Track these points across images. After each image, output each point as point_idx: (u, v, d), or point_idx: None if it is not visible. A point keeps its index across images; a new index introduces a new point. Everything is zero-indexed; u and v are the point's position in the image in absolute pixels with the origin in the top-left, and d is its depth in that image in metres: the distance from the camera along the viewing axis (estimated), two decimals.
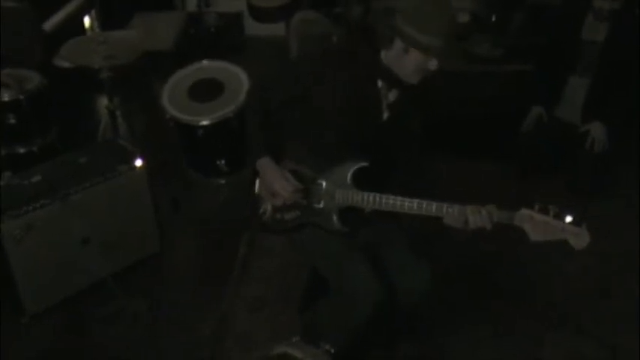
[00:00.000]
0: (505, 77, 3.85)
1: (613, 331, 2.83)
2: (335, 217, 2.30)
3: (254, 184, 2.41)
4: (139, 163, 3.01)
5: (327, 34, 4.05)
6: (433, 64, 2.16)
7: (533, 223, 2.08)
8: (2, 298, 2.92)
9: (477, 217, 2.12)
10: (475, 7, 4.12)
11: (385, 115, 2.32)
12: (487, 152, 3.73)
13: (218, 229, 3.34)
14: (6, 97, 3.28)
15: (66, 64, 3.86)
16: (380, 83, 2.27)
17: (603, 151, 3.41)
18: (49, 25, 3.87)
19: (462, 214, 2.14)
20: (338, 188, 2.29)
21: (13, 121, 3.31)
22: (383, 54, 2.23)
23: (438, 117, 3.72)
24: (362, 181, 2.27)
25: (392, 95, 2.30)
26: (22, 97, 3.29)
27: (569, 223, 2.06)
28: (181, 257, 3.23)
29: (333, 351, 2.40)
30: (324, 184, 2.32)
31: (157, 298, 2.99)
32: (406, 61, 2.17)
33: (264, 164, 2.31)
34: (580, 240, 2.06)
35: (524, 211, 2.10)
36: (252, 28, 5.02)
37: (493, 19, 4.06)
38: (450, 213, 2.15)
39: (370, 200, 2.25)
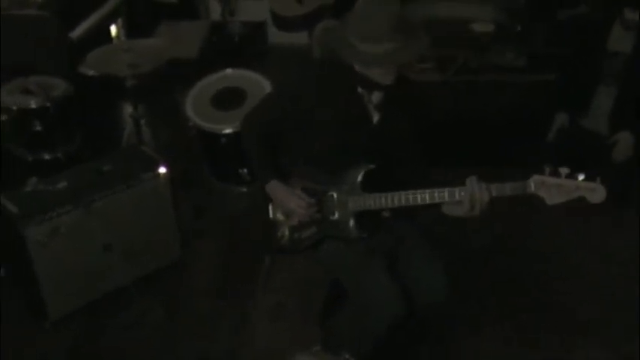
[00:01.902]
0: (529, 87, 3.82)
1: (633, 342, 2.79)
2: (352, 225, 2.31)
3: (267, 208, 2.42)
4: (162, 170, 3.03)
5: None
6: (394, 69, 2.16)
7: (547, 188, 2.06)
8: (25, 304, 2.96)
9: (484, 192, 2.10)
10: (499, 16, 4.10)
11: (375, 118, 2.32)
12: (511, 161, 3.69)
13: (239, 238, 3.35)
14: (33, 105, 3.33)
15: (92, 72, 3.90)
16: (359, 89, 2.28)
17: (629, 161, 3.38)
18: (75, 33, 3.92)
19: (470, 194, 2.11)
20: (349, 196, 2.31)
21: (39, 127, 3.35)
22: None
23: (462, 125, 3.75)
24: (371, 185, 2.28)
25: (375, 97, 2.30)
26: (48, 104, 3.33)
27: (583, 179, 2.03)
28: (202, 265, 3.24)
29: None
30: (335, 195, 2.33)
31: (177, 305, 3.00)
32: (369, 70, 2.19)
33: (274, 187, 2.35)
34: (597, 194, 2.03)
35: (536, 177, 2.07)
36: (276, 36, 5.04)
37: (518, 28, 4.03)
38: (462, 196, 2.13)
39: (381, 201, 2.25)
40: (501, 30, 4.05)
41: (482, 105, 3.80)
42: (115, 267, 2.94)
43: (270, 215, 2.44)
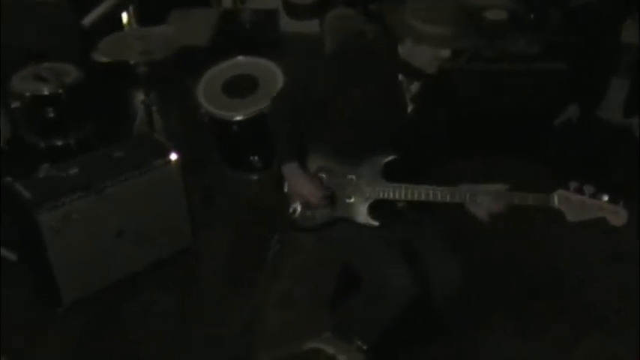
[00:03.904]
0: (541, 75, 3.79)
1: None
2: (366, 211, 2.31)
3: (282, 184, 2.42)
4: (173, 157, 3.03)
5: (362, 31, 4.03)
6: (446, 52, 2.17)
7: (570, 204, 2.07)
8: (36, 290, 2.98)
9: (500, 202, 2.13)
10: (512, 4, 4.06)
11: (410, 108, 2.33)
12: (521, 149, 3.69)
13: (250, 225, 3.35)
14: (45, 91, 3.34)
15: (104, 59, 3.91)
16: (401, 77, 2.29)
17: None
18: (87, 20, 3.92)
19: (490, 201, 2.15)
20: (368, 182, 2.30)
21: (51, 114, 3.37)
22: (400, 48, 2.25)
23: (472, 113, 3.73)
24: (392, 175, 2.28)
25: (414, 88, 2.31)
26: (61, 91, 3.34)
27: (606, 201, 2.05)
28: (213, 252, 3.25)
29: (365, 347, 2.39)
30: (354, 178, 2.33)
31: (188, 292, 3.01)
32: (419, 52, 2.19)
33: (290, 170, 2.33)
34: (618, 218, 2.05)
35: (561, 192, 2.09)
36: (287, 24, 5.02)
37: (532, 16, 4.00)
38: (480, 201, 2.16)
39: (401, 192, 2.25)
40: (514, 18, 4.01)
41: (494, 93, 3.77)
42: (126, 253, 2.95)
43: (285, 189, 2.43)
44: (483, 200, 2.17)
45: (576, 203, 2.07)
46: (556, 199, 2.09)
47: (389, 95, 2.30)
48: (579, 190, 2.07)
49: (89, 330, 2.85)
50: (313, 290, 2.98)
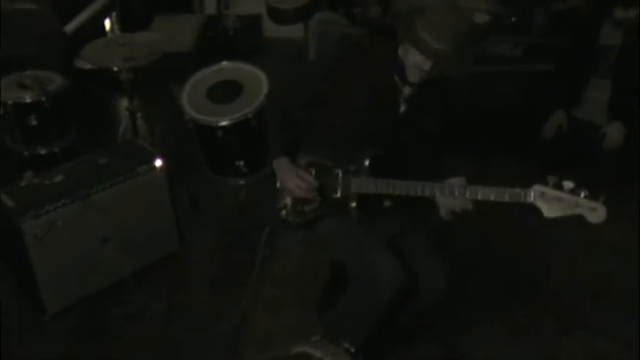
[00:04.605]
0: (524, 77, 3.83)
1: (634, 330, 2.79)
2: (352, 206, 2.34)
3: (275, 182, 2.47)
4: (158, 163, 3.02)
5: (346, 35, 4.05)
6: (427, 65, 2.19)
7: (547, 200, 2.05)
8: (24, 297, 2.95)
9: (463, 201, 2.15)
10: (494, 7, 4.09)
11: (402, 108, 2.37)
12: (506, 151, 3.71)
13: (237, 230, 3.35)
14: (28, 99, 3.32)
15: (87, 66, 3.90)
16: (396, 77, 2.32)
17: (618, 150, 3.41)
18: (70, 27, 3.91)
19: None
20: (354, 177, 2.33)
21: (34, 122, 3.35)
22: (399, 49, 2.29)
23: (457, 115, 3.75)
24: (378, 171, 2.31)
25: (407, 90, 2.34)
26: (43, 98, 3.32)
27: (585, 197, 2.02)
28: (200, 257, 3.24)
29: (353, 350, 2.39)
30: (340, 173, 2.36)
31: (176, 297, 3.00)
32: (408, 56, 2.23)
33: (280, 164, 2.40)
34: (597, 215, 2.02)
35: (537, 187, 2.07)
36: (271, 30, 5.04)
37: (513, 19, 4.04)
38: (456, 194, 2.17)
39: (384, 186, 2.28)
40: (497, 21, 4.05)
41: (479, 95, 3.80)
42: (112, 260, 2.93)
43: (277, 185, 2.47)
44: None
45: (553, 199, 2.04)
46: (532, 195, 2.07)
47: (384, 93, 2.33)
48: (557, 186, 2.04)
49: (77, 336, 2.83)
50: (301, 293, 2.98)
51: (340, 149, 2.37)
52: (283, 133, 2.42)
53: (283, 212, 2.48)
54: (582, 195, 2.03)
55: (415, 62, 2.21)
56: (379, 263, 2.27)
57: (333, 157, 2.39)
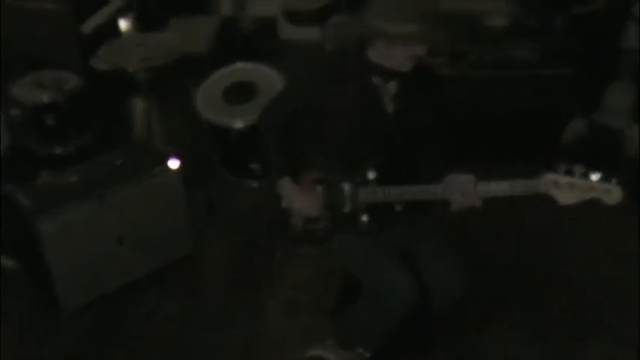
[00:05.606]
0: (544, 81, 3.79)
1: None
2: (363, 218, 2.31)
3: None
4: (173, 164, 3.02)
5: (362, 38, 4.03)
6: (421, 49, 2.14)
7: (560, 187, 2.01)
8: (39, 296, 2.96)
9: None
10: (513, 10, 4.06)
11: (391, 108, 2.30)
12: (525, 157, 3.67)
13: (251, 232, 3.34)
14: (45, 99, 3.34)
15: (103, 66, 3.90)
16: (375, 79, 2.26)
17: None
18: (87, 27, 3.92)
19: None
20: (361, 188, 2.29)
21: (51, 122, 3.36)
22: (370, 52, 2.22)
23: (475, 119, 3.72)
24: (384, 179, 2.28)
25: (390, 88, 2.29)
26: (60, 98, 3.33)
27: (598, 180, 1.98)
28: (214, 259, 3.23)
29: (367, 355, 2.38)
30: (346, 186, 2.32)
31: (190, 300, 2.99)
32: (393, 52, 2.16)
33: (284, 187, 2.36)
34: (612, 196, 1.98)
35: (548, 176, 2.03)
36: (287, 31, 5.03)
37: (534, 23, 4.01)
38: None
39: (393, 193, 2.25)
40: (516, 24, 4.02)
41: (497, 99, 3.77)
42: (127, 260, 2.94)
43: (283, 205, 2.43)
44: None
45: (566, 186, 2.00)
46: (544, 184, 2.03)
47: (367, 99, 2.28)
48: (569, 172, 2.00)
49: (90, 337, 2.84)
50: (316, 298, 2.97)
51: (341, 162, 2.33)
52: (280, 154, 2.38)
53: (295, 232, 2.45)
54: (595, 178, 1.99)
55: (404, 52, 2.14)
56: (392, 280, 2.22)
57: (337, 170, 2.34)
